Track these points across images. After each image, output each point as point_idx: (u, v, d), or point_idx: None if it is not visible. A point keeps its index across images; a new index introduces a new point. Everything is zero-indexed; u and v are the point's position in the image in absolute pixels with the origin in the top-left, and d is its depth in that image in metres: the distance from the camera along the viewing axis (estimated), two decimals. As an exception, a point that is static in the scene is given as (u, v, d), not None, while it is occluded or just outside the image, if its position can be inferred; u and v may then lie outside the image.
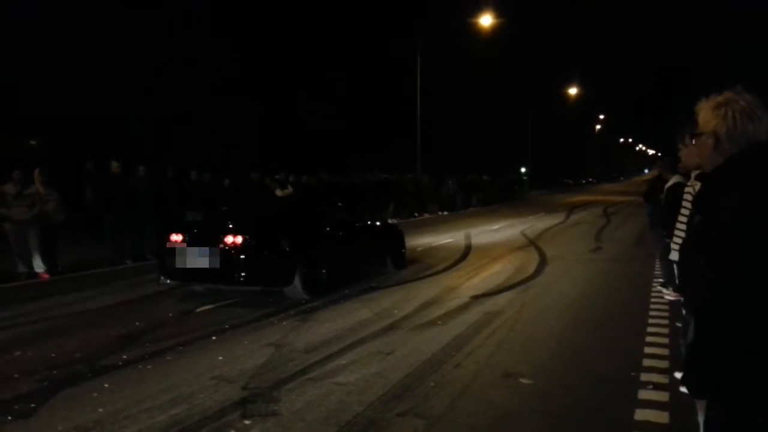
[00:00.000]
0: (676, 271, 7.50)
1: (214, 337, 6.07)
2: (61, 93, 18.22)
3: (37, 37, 17.51)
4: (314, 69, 28.93)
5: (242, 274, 7.34)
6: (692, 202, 3.10)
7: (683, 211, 5.41)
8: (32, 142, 18.18)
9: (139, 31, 20.00)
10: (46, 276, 9.48)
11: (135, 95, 19.84)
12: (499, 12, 27.03)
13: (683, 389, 4.40)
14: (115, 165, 11.06)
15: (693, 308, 1.91)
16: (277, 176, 15.70)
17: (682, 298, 7.49)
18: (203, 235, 7.82)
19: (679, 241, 6.68)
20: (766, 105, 1.94)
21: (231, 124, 24.02)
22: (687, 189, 5.76)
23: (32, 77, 17.49)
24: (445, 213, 24.59)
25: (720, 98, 1.92)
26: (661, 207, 7.45)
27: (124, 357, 5.41)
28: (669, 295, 7.71)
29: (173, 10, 21.85)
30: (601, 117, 77.91)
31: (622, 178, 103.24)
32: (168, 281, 7.93)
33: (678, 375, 4.60)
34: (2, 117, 16.41)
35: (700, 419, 1.91)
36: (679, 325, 6.16)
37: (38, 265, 9.48)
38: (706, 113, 1.93)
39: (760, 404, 1.68)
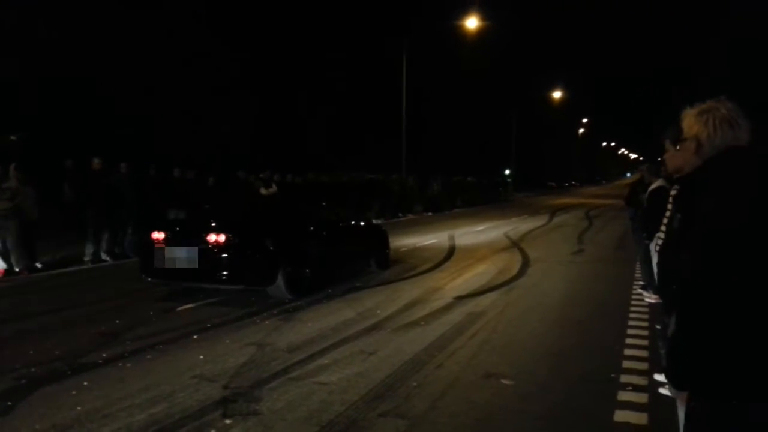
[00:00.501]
0: (656, 273, 7.62)
1: (195, 336, 6.03)
2: (45, 88, 17.99)
3: (24, 32, 17.24)
4: (303, 68, 28.85)
5: (225, 272, 7.29)
6: (672, 203, 3.25)
7: (666, 214, 5.51)
8: (12, 138, 17.89)
9: (133, 28, 19.79)
10: (26, 272, 9.36)
11: (125, 93, 19.63)
12: (486, 14, 27.23)
13: (662, 390, 4.46)
14: (96, 161, 10.94)
15: (672, 305, 2.01)
16: (261, 175, 15.63)
17: (661, 301, 7.60)
18: (186, 234, 7.76)
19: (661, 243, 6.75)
20: (761, 108, 2.07)
21: (221, 121, 23.89)
22: (672, 192, 5.87)
23: (17, 72, 17.22)
24: (430, 214, 24.65)
25: (703, 106, 2.06)
26: (643, 210, 7.57)
27: (104, 355, 5.35)
28: (649, 297, 7.80)
29: (171, 9, 21.64)
30: (585, 120, 78.65)
31: (604, 181, 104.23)
32: (149, 279, 7.85)
33: (657, 377, 4.66)
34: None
35: (681, 414, 1.99)
36: (658, 327, 6.24)
37: (17, 262, 9.35)
38: (689, 120, 2.07)
39: (740, 393, 1.75)
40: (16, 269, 9.34)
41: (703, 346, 1.77)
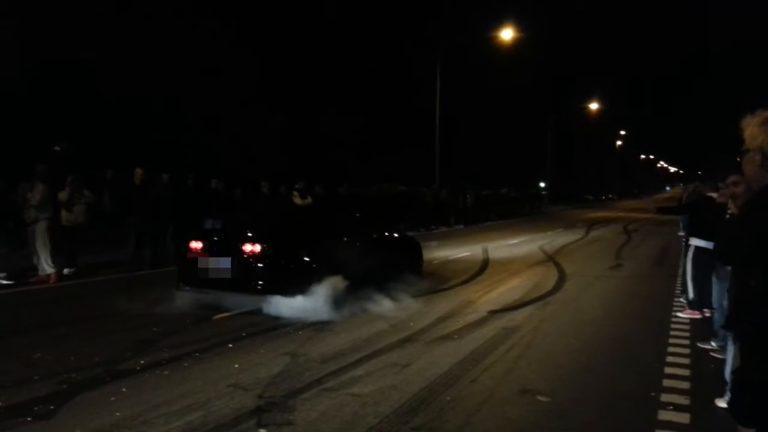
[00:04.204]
0: (691, 287, 7.50)
1: (230, 345, 6.09)
2: (85, 100, 18.56)
3: (64, 43, 17.82)
4: (337, 82, 29.10)
5: (260, 282, 7.37)
6: (742, 219, 2.98)
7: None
8: (56, 148, 18.47)
9: (166, 41, 20.30)
10: (55, 277, 9.55)
11: (161, 103, 20.14)
12: (521, 26, 27.08)
13: (720, 403, 4.28)
14: (139, 172, 11.22)
15: (743, 331, 1.85)
16: (297, 185, 15.74)
17: (701, 315, 7.40)
18: (222, 243, 7.87)
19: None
20: None
21: (253, 133, 24.24)
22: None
23: (58, 83, 17.83)
24: (462, 226, 24.50)
25: (766, 113, 1.90)
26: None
27: (142, 362, 5.45)
28: (692, 314, 7.59)
29: (200, 22, 22.15)
30: (622, 133, 77.32)
31: (644, 195, 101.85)
32: (186, 288, 7.97)
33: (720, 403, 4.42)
34: (27, 122, 16.78)
35: None
36: (712, 346, 6.08)
37: (42, 268, 9.56)
38: (752, 129, 1.91)
39: None
40: (52, 270, 9.52)
41: None
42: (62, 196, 9.95)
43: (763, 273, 1.69)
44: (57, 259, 9.60)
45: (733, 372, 1.82)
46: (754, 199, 1.90)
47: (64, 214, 10.05)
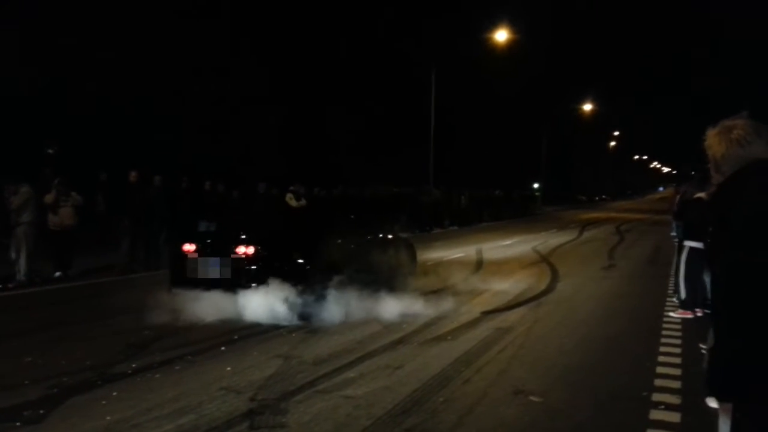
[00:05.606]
0: (683, 287, 7.55)
1: (223, 348, 6.07)
2: (79, 101, 18.47)
3: (59, 43, 17.73)
4: (335, 83, 29.08)
5: (253, 284, 7.34)
6: (705, 213, 3.51)
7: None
8: (50, 151, 18.37)
9: (163, 41, 20.23)
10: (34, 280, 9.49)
11: (155, 105, 20.08)
12: (517, 27, 27.17)
13: (711, 403, 4.30)
14: (133, 174, 11.19)
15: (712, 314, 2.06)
16: (292, 187, 15.70)
17: (693, 315, 7.44)
18: (215, 245, 7.84)
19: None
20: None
21: (249, 134, 24.18)
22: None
23: (52, 85, 17.73)
24: (456, 228, 24.53)
25: (723, 124, 2.18)
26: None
27: (133, 365, 5.42)
28: (684, 314, 7.61)
29: (198, 22, 22.09)
30: (616, 133, 77.62)
31: (636, 196, 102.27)
32: (179, 290, 7.92)
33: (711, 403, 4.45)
34: (20, 123, 16.69)
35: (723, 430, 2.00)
36: (702, 347, 6.09)
37: (24, 272, 9.47)
38: (709, 139, 2.20)
39: None
40: (23, 278, 9.41)
41: (743, 354, 1.77)
42: (48, 198, 9.83)
43: (717, 259, 1.93)
44: (32, 265, 9.50)
45: (708, 350, 1.99)
46: (713, 195, 2.21)
47: (50, 217, 9.95)
